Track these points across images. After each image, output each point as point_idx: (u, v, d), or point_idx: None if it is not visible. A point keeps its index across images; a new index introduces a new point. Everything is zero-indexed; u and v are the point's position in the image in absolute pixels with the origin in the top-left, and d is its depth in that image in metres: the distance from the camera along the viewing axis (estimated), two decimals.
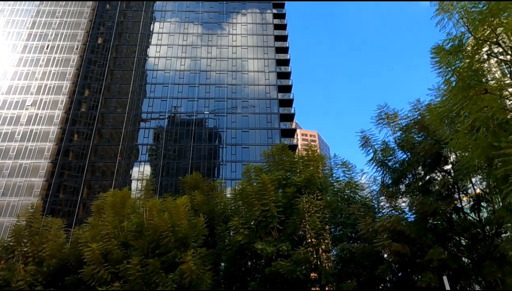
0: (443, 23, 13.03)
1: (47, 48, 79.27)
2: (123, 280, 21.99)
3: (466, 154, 14.49)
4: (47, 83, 75.42)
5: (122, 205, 26.58)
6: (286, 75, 79.83)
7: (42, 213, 34.86)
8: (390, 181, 22.92)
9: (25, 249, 27.32)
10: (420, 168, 21.92)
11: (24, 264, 26.12)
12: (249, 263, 26.08)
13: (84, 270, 22.86)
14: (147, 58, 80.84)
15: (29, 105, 72.73)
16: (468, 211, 20.64)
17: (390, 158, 22.67)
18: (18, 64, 77.38)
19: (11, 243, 27.94)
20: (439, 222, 20.79)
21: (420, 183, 21.62)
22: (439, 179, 20.92)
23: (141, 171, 68.25)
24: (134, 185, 64.90)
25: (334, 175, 27.20)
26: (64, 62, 77.96)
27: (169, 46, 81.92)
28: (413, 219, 20.68)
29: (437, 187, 20.47)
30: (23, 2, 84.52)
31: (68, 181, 67.05)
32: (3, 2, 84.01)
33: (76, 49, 79.50)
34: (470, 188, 20.86)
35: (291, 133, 75.88)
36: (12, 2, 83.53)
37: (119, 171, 68.01)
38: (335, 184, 26.52)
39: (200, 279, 22.62)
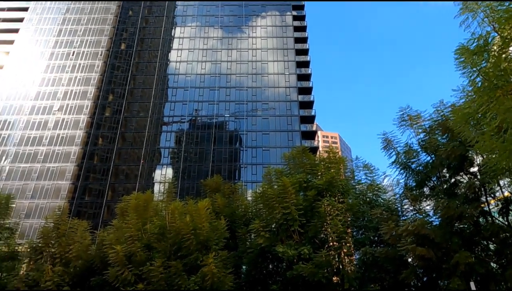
0: (468, 23, 12.69)
1: (72, 55, 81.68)
2: (146, 281, 22.34)
3: (493, 156, 14.05)
4: (73, 89, 77.65)
5: (145, 208, 27.06)
6: (306, 77, 79.51)
7: (69, 215, 35.85)
8: (413, 184, 22.46)
9: (52, 250, 28.12)
10: (444, 170, 21.39)
11: (52, 265, 26.88)
12: (270, 266, 26.04)
13: (109, 272, 23.36)
14: (168, 62, 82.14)
15: (56, 111, 75.04)
16: (496, 215, 20.00)
17: (414, 160, 22.22)
18: (46, 70, 80.00)
19: (40, 244, 28.81)
20: (466, 226, 20.20)
21: (445, 186, 21.10)
22: (464, 181, 20.35)
23: (163, 174, 69.32)
24: (156, 187, 66.01)
25: (356, 177, 26.89)
26: (89, 68, 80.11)
27: (190, 51, 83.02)
28: (438, 223, 20.18)
29: (463, 190, 19.92)
30: (51, 11, 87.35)
31: (93, 183, 68.74)
32: (31, 12, 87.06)
33: (100, 55, 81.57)
34: (498, 190, 20.21)
35: (311, 135, 75.45)
36: (40, 11, 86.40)
37: (142, 174, 69.23)
38: (357, 186, 26.21)
39: (221, 282, 22.73)
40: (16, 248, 32.14)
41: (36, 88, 77.92)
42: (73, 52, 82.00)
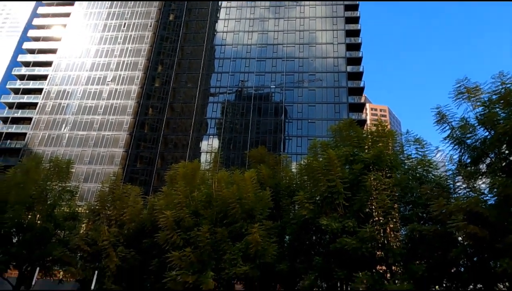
0: None
1: (124, 27, 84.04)
2: (193, 246, 23.43)
3: None
4: (125, 60, 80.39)
5: (192, 176, 28.05)
6: (356, 47, 76.46)
7: (122, 181, 37.98)
8: (468, 160, 21.20)
9: (108, 213, 30.18)
10: (504, 147, 19.96)
11: (108, 226, 28.92)
12: (314, 238, 26.19)
13: (159, 235, 24.74)
14: (215, 33, 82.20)
15: (109, 81, 78.42)
16: None
17: (469, 135, 20.85)
18: (99, 42, 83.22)
19: (97, 207, 31.01)
20: None
21: (504, 163, 19.76)
22: None
23: (209, 144, 71.00)
24: (203, 157, 67.89)
25: (405, 152, 25.83)
26: (139, 39, 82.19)
27: (237, 21, 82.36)
28: (493, 202, 19.10)
29: None
30: None
31: (144, 151, 72.01)
32: None
33: (150, 26, 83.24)
34: None
35: (359, 107, 73.25)
36: None
37: (190, 144, 71.30)
38: (406, 161, 25.21)
39: (265, 250, 23.33)
40: (76, 209, 34.77)
41: (91, 59, 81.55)
42: (124, 23, 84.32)
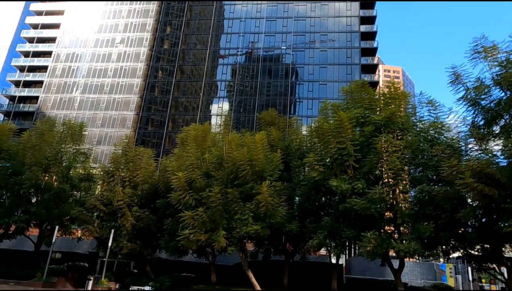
0: None
1: None
2: (205, 206, 24.03)
3: None
4: (133, 21, 79.06)
5: (203, 138, 28.31)
6: (370, 5, 73.76)
7: (135, 143, 38.51)
8: (482, 122, 20.87)
9: (122, 174, 30.91)
10: None
11: (122, 187, 29.73)
12: (323, 199, 26.60)
13: (172, 195, 25.39)
14: None
15: (118, 43, 77.60)
16: None
17: (484, 96, 20.36)
18: (106, 3, 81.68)
19: (111, 169, 31.74)
20: None
21: None
22: None
23: (219, 107, 70.88)
24: (213, 120, 68.03)
25: (417, 114, 25.46)
26: None
27: None
28: (505, 164, 18.97)
29: None
30: None
31: (155, 114, 72.37)
32: None
33: None
34: None
35: (372, 69, 71.72)
36: None
37: (200, 106, 71.27)
38: (418, 123, 24.93)
39: (275, 210, 23.85)
40: (91, 171, 35.66)
41: (98, 21, 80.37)
42: None
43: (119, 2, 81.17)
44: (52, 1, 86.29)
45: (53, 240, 28.49)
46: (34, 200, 32.82)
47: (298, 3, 75.64)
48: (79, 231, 36.11)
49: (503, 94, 19.77)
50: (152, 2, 79.81)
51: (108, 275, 28.43)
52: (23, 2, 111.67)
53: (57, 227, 29.48)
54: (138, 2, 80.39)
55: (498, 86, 19.77)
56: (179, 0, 79.66)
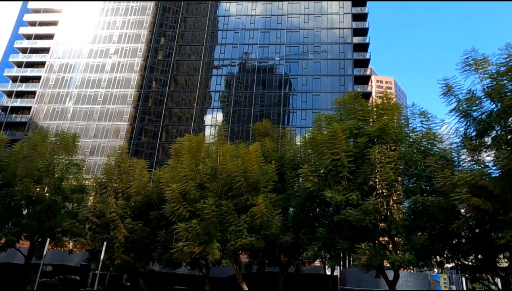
0: None
1: None
2: (199, 218, 23.87)
3: None
4: (127, 32, 79.27)
5: (197, 149, 28.25)
6: (362, 17, 74.79)
7: (128, 154, 38.29)
8: (474, 133, 21.12)
9: (115, 185, 30.62)
10: (510, 119, 19.78)
11: (115, 198, 29.43)
12: (318, 210, 26.58)
13: (165, 207, 25.18)
14: (218, 3, 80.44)
15: (112, 54, 77.64)
16: None
17: (476, 108, 20.63)
18: (101, 14, 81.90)
19: (104, 180, 31.46)
20: None
21: (510, 136, 19.65)
22: None
23: (213, 117, 70.94)
24: (207, 130, 68.01)
25: (410, 125, 25.69)
26: (141, 10, 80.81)
27: None
28: (497, 175, 19.14)
29: None
30: None
31: (148, 125, 72.17)
32: None
33: None
34: None
35: (365, 80, 72.40)
36: None
37: (194, 117, 71.26)
38: (411, 134, 25.14)
39: (270, 222, 23.77)
40: (84, 182, 35.31)
41: (92, 31, 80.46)
42: None
43: (114, 13, 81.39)
44: (45, 13, 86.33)
45: (44, 253, 28.02)
46: (25, 212, 32.35)
47: (292, 15, 76.44)
48: (71, 243, 35.60)
49: (494, 106, 20.03)
50: (146, 13, 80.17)
51: (100, 288, 27.99)
52: (17, 13, 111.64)
53: (48, 240, 29.03)
54: (133, 13, 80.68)
55: (489, 98, 20.04)
56: (173, 14, 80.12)
